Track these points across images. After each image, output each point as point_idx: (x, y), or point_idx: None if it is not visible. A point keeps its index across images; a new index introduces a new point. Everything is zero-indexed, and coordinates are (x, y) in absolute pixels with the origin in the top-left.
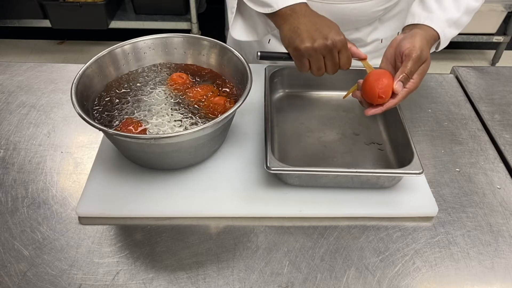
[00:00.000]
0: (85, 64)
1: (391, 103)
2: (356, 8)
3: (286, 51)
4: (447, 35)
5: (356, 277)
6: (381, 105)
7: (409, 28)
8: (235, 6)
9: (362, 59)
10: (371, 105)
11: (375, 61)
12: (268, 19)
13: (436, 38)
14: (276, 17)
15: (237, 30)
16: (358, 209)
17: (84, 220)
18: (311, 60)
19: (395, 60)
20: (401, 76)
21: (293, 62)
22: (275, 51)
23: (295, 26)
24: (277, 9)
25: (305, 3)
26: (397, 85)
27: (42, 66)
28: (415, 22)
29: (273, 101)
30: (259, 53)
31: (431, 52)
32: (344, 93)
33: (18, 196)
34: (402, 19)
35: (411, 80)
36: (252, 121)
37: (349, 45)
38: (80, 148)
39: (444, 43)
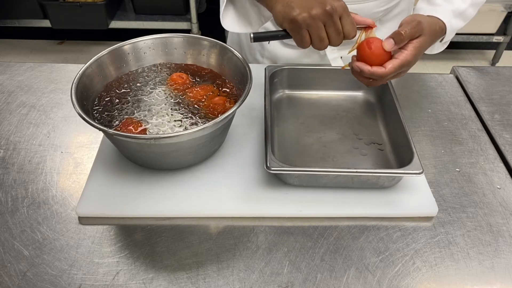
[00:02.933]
0: (85, 64)
1: (380, 69)
2: (357, 9)
3: (281, 29)
4: (453, 25)
5: (356, 277)
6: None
7: None
8: None
9: (371, 27)
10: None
11: None
12: (261, 5)
13: (442, 27)
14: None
15: (228, 20)
16: (358, 209)
17: (84, 220)
18: (310, 30)
19: None
20: (392, 33)
21: (299, 53)
22: (269, 30)
23: (288, 0)
24: None
25: None
26: (386, 42)
27: (42, 66)
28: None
29: (273, 101)
30: (252, 35)
31: (440, 51)
32: (344, 92)
33: (18, 196)
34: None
35: (404, 51)
36: (252, 121)
37: (353, 15)
38: (80, 148)
39: (450, 34)
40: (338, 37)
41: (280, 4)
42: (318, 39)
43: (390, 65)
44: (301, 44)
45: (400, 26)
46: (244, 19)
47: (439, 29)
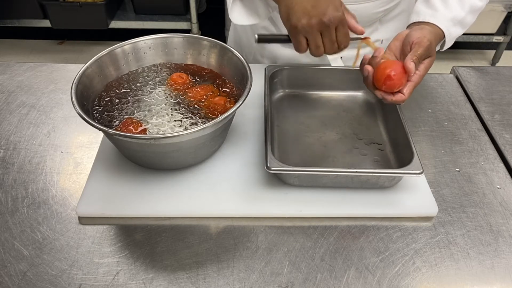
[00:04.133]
0: (85, 64)
1: (401, 97)
2: (357, 9)
3: (286, 34)
4: (452, 34)
5: (356, 277)
6: (392, 93)
7: (414, 25)
8: None
9: (360, 34)
10: (378, 89)
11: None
12: None
13: (441, 36)
14: None
15: (237, 14)
16: (358, 209)
17: (84, 220)
18: (308, 37)
19: (400, 52)
20: (411, 57)
21: (299, 53)
22: (273, 34)
23: (293, 2)
24: None
25: None
26: (409, 64)
27: (42, 66)
28: (420, 20)
29: (273, 101)
30: (256, 36)
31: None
32: (344, 92)
33: (18, 196)
34: (403, 20)
35: (417, 72)
36: (252, 121)
37: (349, 18)
38: (80, 148)
39: (449, 42)
40: (333, 47)
41: (284, 3)
42: (315, 46)
43: (407, 91)
44: (298, 49)
45: (412, 44)
46: (252, 11)
47: (439, 40)
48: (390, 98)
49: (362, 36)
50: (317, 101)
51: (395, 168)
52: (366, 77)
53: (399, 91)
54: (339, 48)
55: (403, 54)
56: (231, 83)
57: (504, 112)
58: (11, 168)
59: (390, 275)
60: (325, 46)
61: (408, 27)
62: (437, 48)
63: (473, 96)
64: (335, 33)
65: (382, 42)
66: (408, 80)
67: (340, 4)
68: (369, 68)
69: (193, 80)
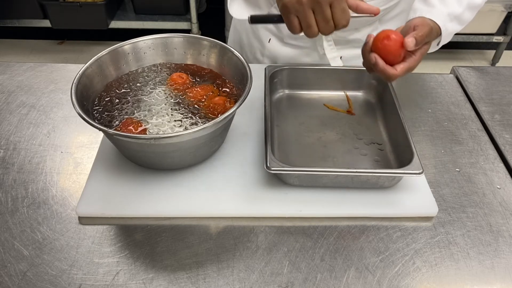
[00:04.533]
0: (85, 64)
1: (392, 70)
2: None
3: (279, 13)
4: (449, 29)
5: (356, 277)
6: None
7: None
8: None
9: (376, 14)
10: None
11: None
12: None
13: (438, 32)
14: None
15: (236, 7)
16: (358, 209)
17: (84, 220)
18: (299, 16)
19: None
20: (413, 34)
21: (299, 54)
22: (266, 14)
23: None
24: None
25: None
26: (410, 41)
27: (42, 66)
28: (417, 16)
29: (273, 101)
30: (249, 16)
31: (433, 50)
32: (344, 92)
33: (18, 196)
34: (403, 20)
35: (413, 56)
36: (252, 121)
37: (357, 2)
38: (80, 148)
39: (445, 38)
40: (327, 25)
41: None
42: (306, 25)
43: (400, 68)
44: (291, 29)
45: (414, 27)
46: (253, 4)
47: (436, 35)
48: (382, 64)
49: (354, 25)
50: (317, 101)
51: (395, 168)
52: (366, 43)
53: (393, 66)
54: (336, 27)
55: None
56: (231, 83)
57: (504, 112)
58: (11, 168)
59: (390, 275)
60: (319, 25)
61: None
62: (435, 47)
63: (473, 96)
64: (330, 9)
65: None
66: (404, 60)
67: None
68: (373, 34)
69: (193, 80)
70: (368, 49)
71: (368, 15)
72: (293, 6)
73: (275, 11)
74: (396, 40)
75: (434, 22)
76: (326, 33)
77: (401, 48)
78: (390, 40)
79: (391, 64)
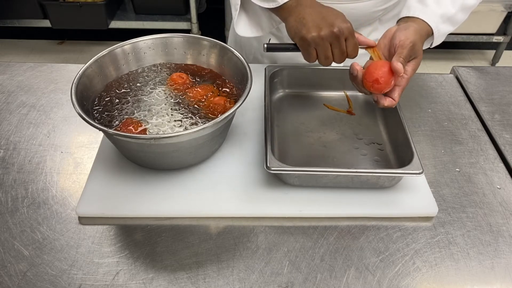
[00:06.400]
0: (85, 64)
1: (391, 102)
2: (356, 8)
3: (293, 42)
4: (441, 30)
5: (356, 277)
6: (384, 97)
7: (403, 20)
8: (239, 3)
9: (371, 46)
10: (369, 93)
11: None
12: (273, 13)
13: (430, 33)
14: (281, 11)
15: (242, 27)
16: (358, 209)
17: (84, 220)
18: (318, 49)
19: (388, 50)
20: (397, 58)
21: (299, 53)
22: (281, 43)
23: (301, 17)
24: (282, 3)
25: None
26: (396, 65)
27: (42, 66)
28: (410, 15)
29: (273, 101)
30: (265, 45)
31: (425, 48)
32: (344, 92)
33: (18, 196)
34: None
35: (405, 76)
36: (252, 121)
37: (356, 35)
38: (80, 148)
39: (438, 39)
40: (342, 57)
41: (293, 18)
42: (324, 57)
43: (397, 96)
44: (308, 60)
45: (395, 46)
46: (256, 24)
47: (426, 36)
48: (383, 103)
49: (353, 24)
50: (317, 101)
51: (395, 168)
52: (355, 76)
53: (390, 96)
54: (348, 58)
55: (389, 54)
56: (231, 83)
57: (504, 112)
58: (11, 168)
59: (390, 275)
60: (335, 56)
61: (397, 22)
62: (427, 46)
63: (473, 96)
64: (345, 43)
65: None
66: (395, 85)
67: (346, 18)
68: (357, 67)
69: (193, 80)
70: (360, 82)
71: (365, 46)
72: (314, 40)
73: (275, 32)
74: (384, 78)
75: (425, 23)
76: (340, 62)
77: (391, 78)
78: (379, 83)
79: (386, 91)
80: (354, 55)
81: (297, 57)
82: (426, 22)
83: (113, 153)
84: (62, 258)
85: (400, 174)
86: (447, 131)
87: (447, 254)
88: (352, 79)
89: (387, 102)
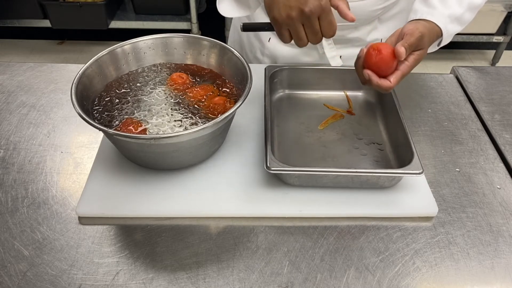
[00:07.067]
0: (85, 64)
1: (386, 82)
2: (355, 6)
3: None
4: (449, 30)
5: (356, 277)
6: (384, 77)
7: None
8: None
9: (350, 21)
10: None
11: None
12: None
13: (439, 33)
14: None
15: (225, 6)
16: (358, 209)
17: (84, 220)
18: (290, 29)
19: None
20: (402, 43)
21: (299, 53)
22: (257, 22)
23: None
24: None
25: None
26: (399, 48)
27: (42, 66)
28: (417, 18)
29: (273, 101)
30: (241, 24)
31: (433, 50)
32: (344, 92)
33: (18, 196)
34: (402, 19)
35: (406, 63)
36: (252, 121)
37: (340, 3)
38: (80, 148)
39: (446, 39)
40: (316, 37)
41: None
42: (296, 37)
43: (394, 79)
44: (282, 40)
45: (403, 34)
46: (242, 2)
47: (436, 37)
48: (376, 80)
49: (353, 24)
50: (317, 101)
51: (395, 168)
52: (359, 58)
53: (386, 78)
54: (324, 37)
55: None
56: (231, 83)
57: (504, 112)
58: (11, 168)
59: (390, 275)
60: (308, 37)
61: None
62: (435, 47)
63: (473, 96)
64: (319, 22)
65: (381, 41)
66: (396, 69)
67: None
68: (364, 49)
69: (193, 80)
70: (361, 64)
71: (347, 23)
72: (283, 20)
73: (263, 10)
74: (387, 53)
75: (434, 24)
76: (315, 43)
77: (393, 59)
78: (381, 55)
79: (385, 75)
80: (330, 34)
81: (297, 57)
82: (434, 23)
83: (113, 153)
84: (62, 258)
85: (400, 174)
86: (447, 131)
87: (447, 254)
88: (355, 62)
89: (382, 81)
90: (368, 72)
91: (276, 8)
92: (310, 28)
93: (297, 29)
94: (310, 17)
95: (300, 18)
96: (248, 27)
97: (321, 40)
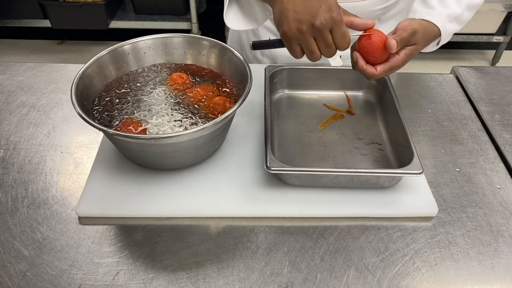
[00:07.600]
0: (85, 64)
1: (371, 69)
2: (355, 7)
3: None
4: (448, 30)
5: (356, 277)
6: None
7: None
8: None
9: (370, 28)
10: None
11: None
12: (264, 1)
13: (437, 33)
14: None
15: (232, 18)
16: (358, 209)
17: (84, 220)
18: (301, 44)
19: None
20: (394, 36)
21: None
22: (267, 39)
23: (284, 7)
24: None
25: None
26: (391, 40)
27: (42, 66)
28: (416, 17)
29: (273, 101)
30: (251, 42)
31: (432, 50)
32: (344, 92)
33: (18, 196)
34: (402, 19)
35: (397, 56)
36: (252, 121)
37: (352, 19)
38: (80, 148)
39: (445, 38)
40: (329, 50)
41: (277, 9)
42: (309, 52)
43: (381, 68)
44: (293, 55)
45: (397, 30)
46: (249, 15)
47: (433, 36)
48: (362, 64)
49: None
50: (317, 101)
51: (395, 168)
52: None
53: (374, 66)
54: (338, 50)
55: None
56: (231, 83)
57: (504, 112)
58: (11, 168)
59: (390, 275)
60: (321, 51)
61: None
62: (434, 47)
63: (473, 96)
64: (331, 35)
65: None
66: (387, 61)
67: (335, 3)
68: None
69: (193, 80)
70: (354, 46)
71: (363, 32)
72: (293, 35)
73: (271, 23)
74: (376, 39)
75: (433, 24)
76: (329, 56)
77: (382, 48)
78: (369, 40)
79: (374, 64)
80: (344, 46)
81: None
82: (432, 23)
83: (113, 153)
84: (62, 258)
85: (400, 174)
86: (447, 131)
87: (447, 254)
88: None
89: (368, 66)
90: (356, 55)
91: (286, 23)
92: (322, 41)
93: (309, 43)
94: (321, 30)
95: (311, 32)
96: (258, 45)
97: (335, 53)
